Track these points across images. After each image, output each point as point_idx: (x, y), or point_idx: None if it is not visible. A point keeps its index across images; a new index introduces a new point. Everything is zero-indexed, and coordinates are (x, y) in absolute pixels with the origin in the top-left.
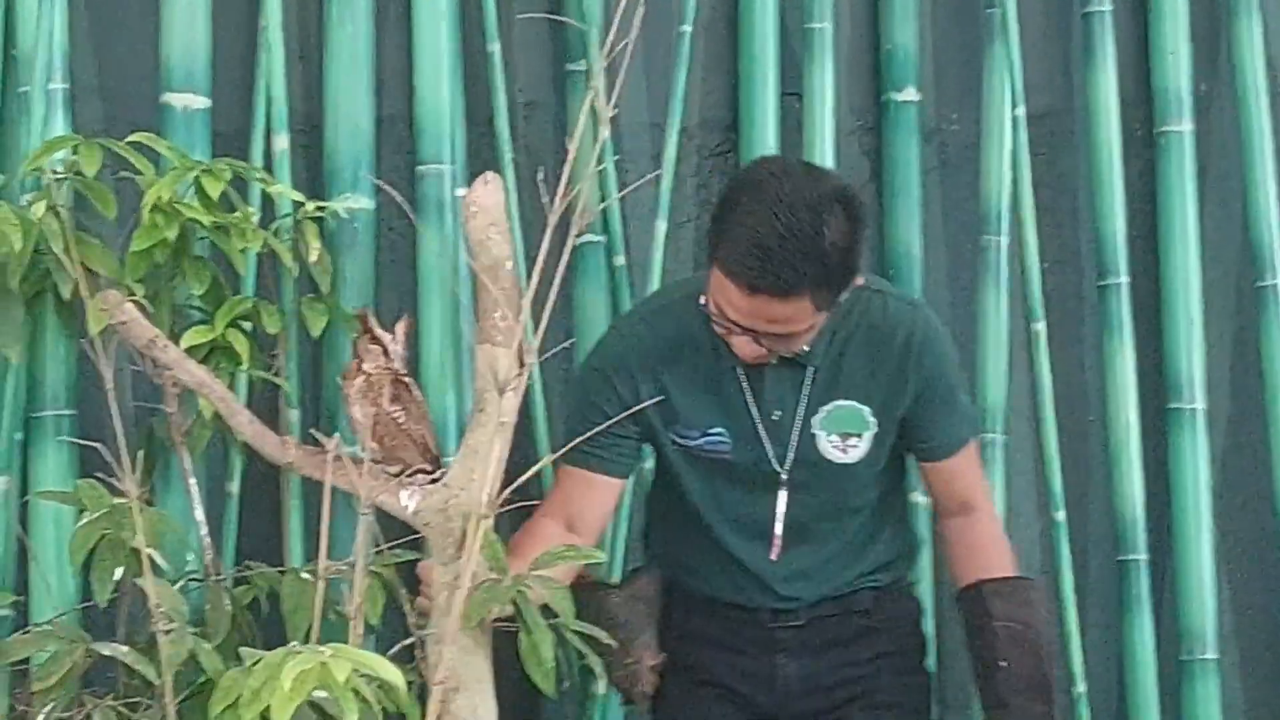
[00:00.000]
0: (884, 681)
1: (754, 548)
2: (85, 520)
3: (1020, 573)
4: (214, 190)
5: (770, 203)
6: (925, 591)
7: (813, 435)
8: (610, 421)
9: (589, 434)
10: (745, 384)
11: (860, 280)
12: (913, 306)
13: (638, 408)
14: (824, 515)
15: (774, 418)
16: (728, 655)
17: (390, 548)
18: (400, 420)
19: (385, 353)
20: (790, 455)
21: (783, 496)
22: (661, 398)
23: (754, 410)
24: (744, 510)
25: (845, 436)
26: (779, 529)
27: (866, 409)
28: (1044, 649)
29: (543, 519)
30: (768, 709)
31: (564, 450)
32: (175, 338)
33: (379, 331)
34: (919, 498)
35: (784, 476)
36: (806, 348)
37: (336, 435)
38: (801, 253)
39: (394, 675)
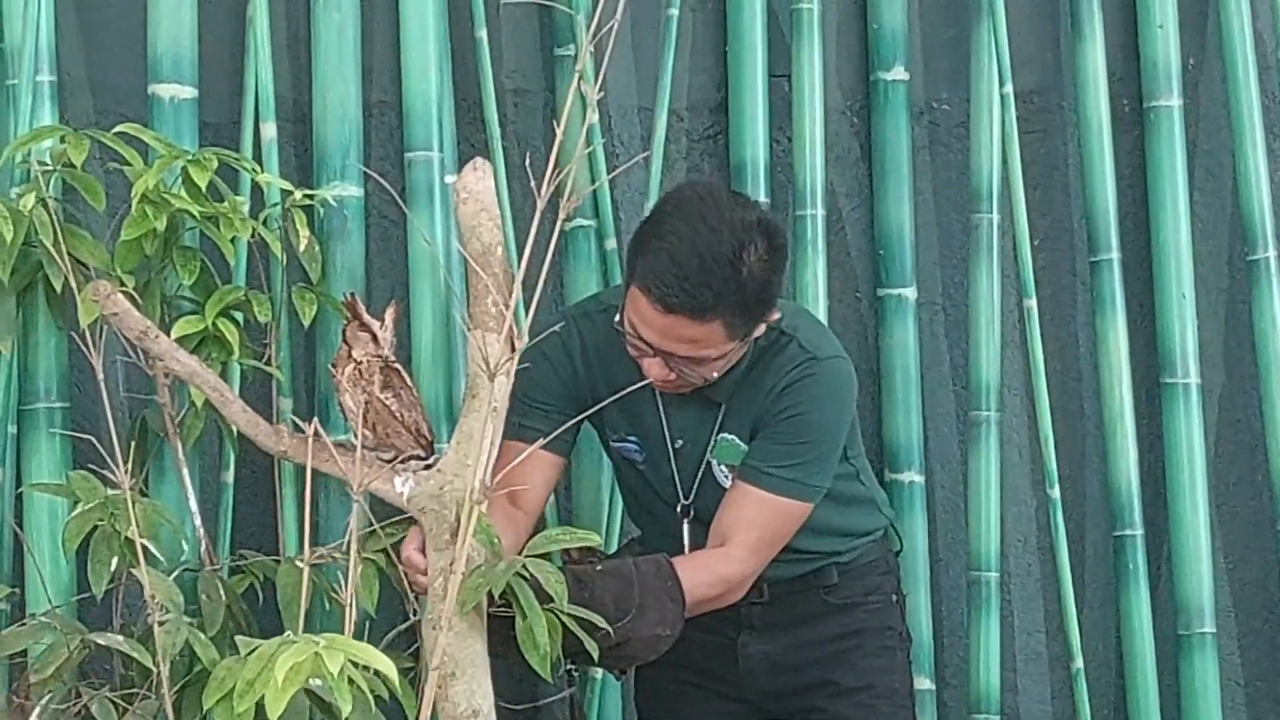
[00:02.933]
0: (854, 662)
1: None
2: (79, 511)
3: (692, 606)
4: (201, 179)
5: (693, 225)
6: (919, 568)
7: (709, 465)
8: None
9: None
10: (660, 405)
11: (776, 315)
12: (810, 356)
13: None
14: None
15: (678, 445)
16: (694, 633)
17: (385, 526)
18: (392, 406)
19: (374, 339)
20: (694, 488)
21: (686, 527)
22: (596, 390)
23: (665, 430)
24: (655, 522)
25: (731, 468)
26: (687, 550)
27: (741, 443)
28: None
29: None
30: (735, 689)
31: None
32: (166, 328)
33: (367, 318)
34: (903, 476)
35: (687, 505)
36: (716, 375)
37: (314, 419)
38: (719, 276)
39: (386, 665)
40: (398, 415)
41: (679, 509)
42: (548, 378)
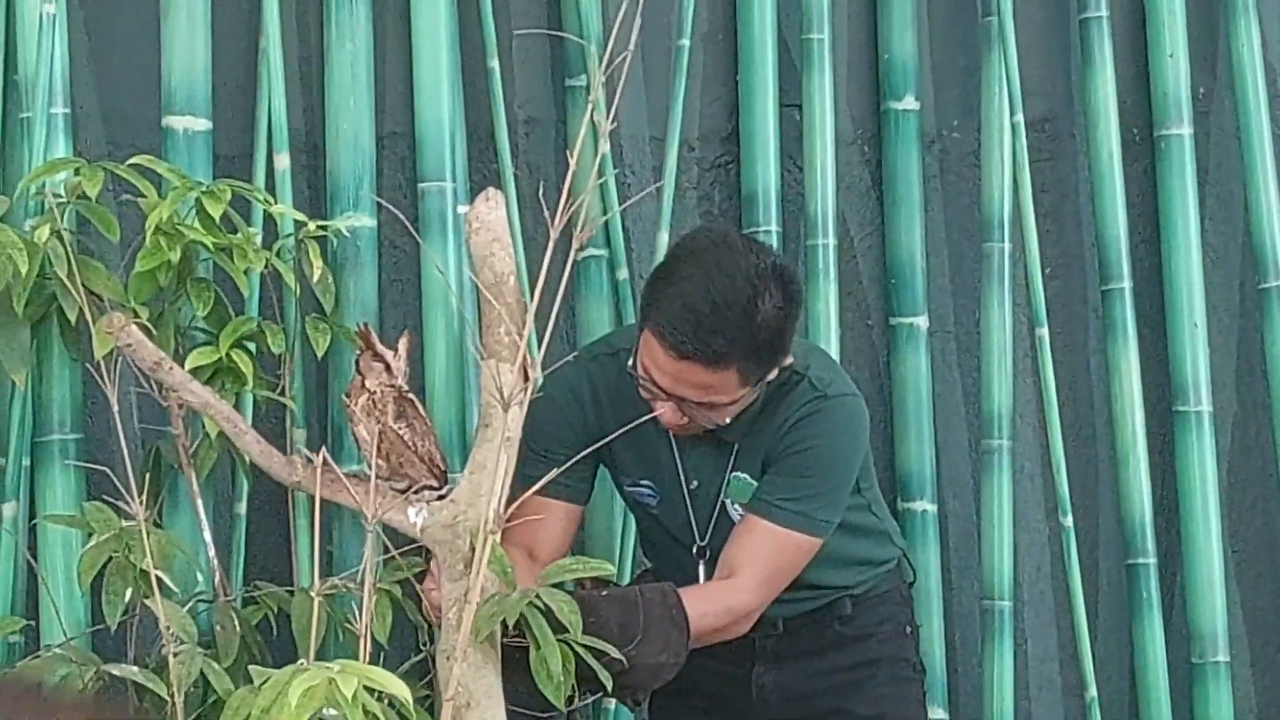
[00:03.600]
0: (867, 691)
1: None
2: (93, 543)
3: (697, 635)
4: (215, 211)
5: (707, 271)
6: (932, 597)
7: (724, 505)
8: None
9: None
10: (674, 447)
11: (789, 360)
12: (820, 394)
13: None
14: None
15: (693, 486)
16: (707, 661)
17: (401, 553)
18: (406, 436)
19: (388, 369)
20: (709, 529)
21: (702, 569)
22: (608, 436)
23: (680, 472)
24: (672, 562)
25: (738, 504)
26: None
27: (753, 480)
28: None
29: (506, 548)
30: (748, 718)
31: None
32: (180, 359)
33: (381, 348)
34: (916, 505)
35: (703, 546)
36: (729, 420)
37: (323, 449)
38: (733, 324)
39: (401, 689)
40: (411, 445)
41: (694, 550)
42: (558, 427)
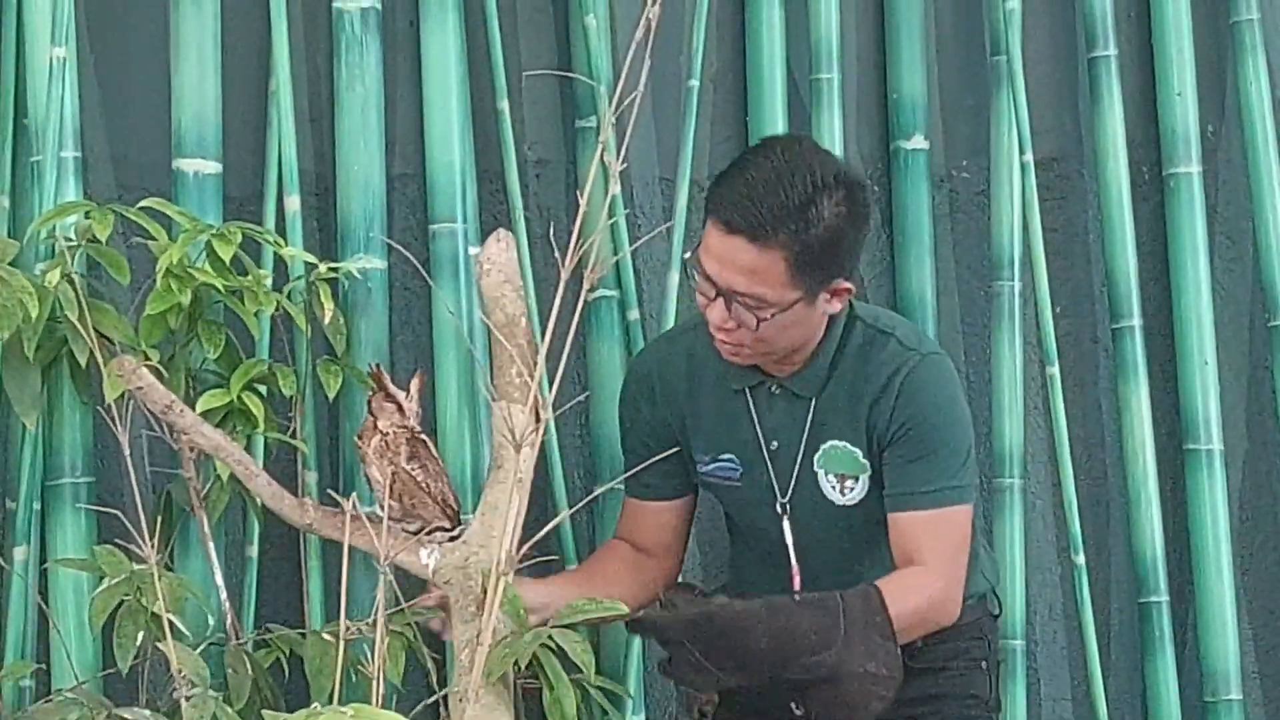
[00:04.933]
0: None
1: (777, 577)
2: (105, 586)
3: (904, 630)
4: (225, 253)
5: (773, 159)
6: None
7: (814, 473)
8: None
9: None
10: (752, 409)
11: (848, 286)
12: (915, 351)
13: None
14: (837, 554)
15: (773, 447)
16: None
17: (411, 605)
18: (419, 477)
19: (400, 410)
20: (791, 486)
21: (787, 526)
22: (682, 420)
23: (760, 436)
24: (758, 542)
25: (842, 478)
26: (793, 556)
27: (859, 450)
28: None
29: (615, 540)
30: None
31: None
32: (191, 402)
33: (393, 389)
34: None
35: (785, 504)
36: (781, 339)
37: (354, 494)
38: (785, 205)
39: None
40: (424, 486)
41: (777, 507)
42: (634, 424)
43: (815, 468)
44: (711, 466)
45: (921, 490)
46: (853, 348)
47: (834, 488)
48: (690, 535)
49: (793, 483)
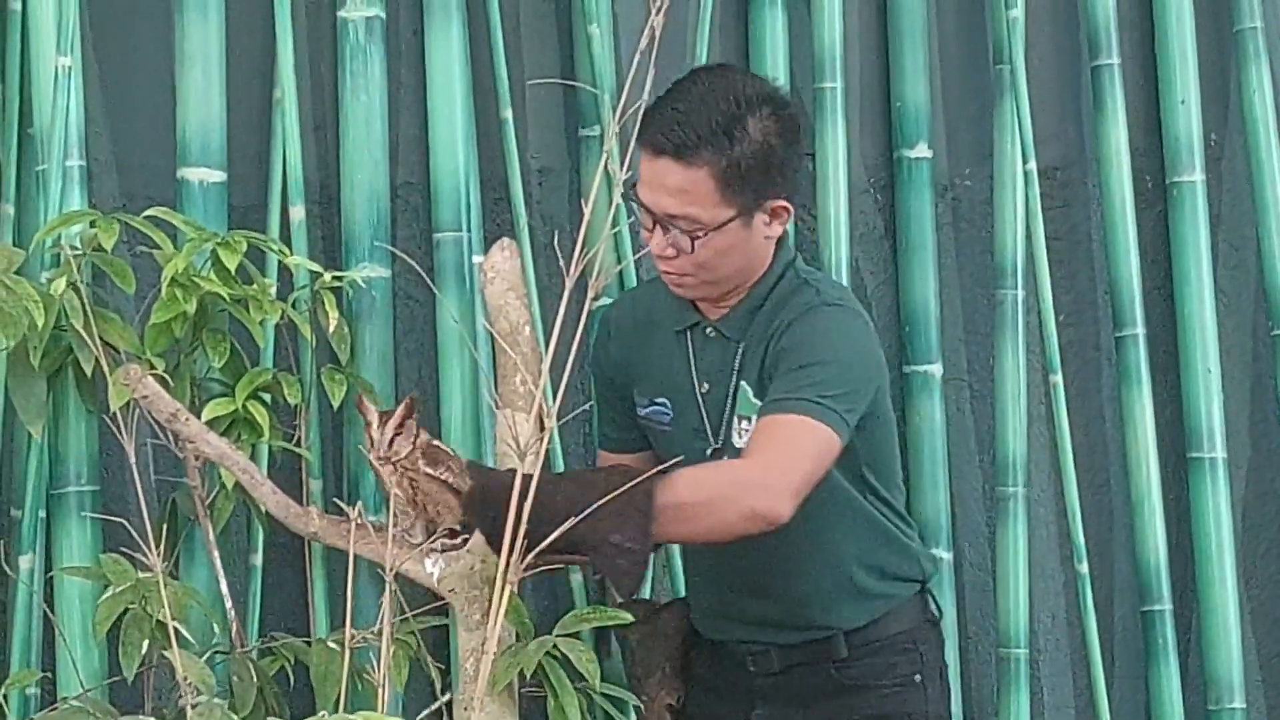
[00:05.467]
0: None
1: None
2: (109, 594)
3: (690, 505)
4: (231, 262)
5: (700, 83)
6: (949, 645)
7: (734, 417)
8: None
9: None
10: (690, 351)
11: (783, 204)
12: (821, 299)
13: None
14: None
15: (705, 390)
16: (712, 700)
17: (416, 614)
18: (448, 480)
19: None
20: (720, 431)
21: None
22: (629, 365)
23: (694, 379)
24: None
25: (741, 420)
26: None
27: (752, 390)
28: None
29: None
30: None
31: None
32: (196, 411)
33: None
34: (933, 553)
35: (716, 449)
36: (720, 262)
37: (359, 503)
38: (710, 123)
39: None
40: (455, 486)
41: (710, 454)
42: (601, 376)
43: (733, 411)
44: (648, 410)
45: (776, 397)
46: (778, 293)
47: (738, 433)
48: None
49: (723, 427)
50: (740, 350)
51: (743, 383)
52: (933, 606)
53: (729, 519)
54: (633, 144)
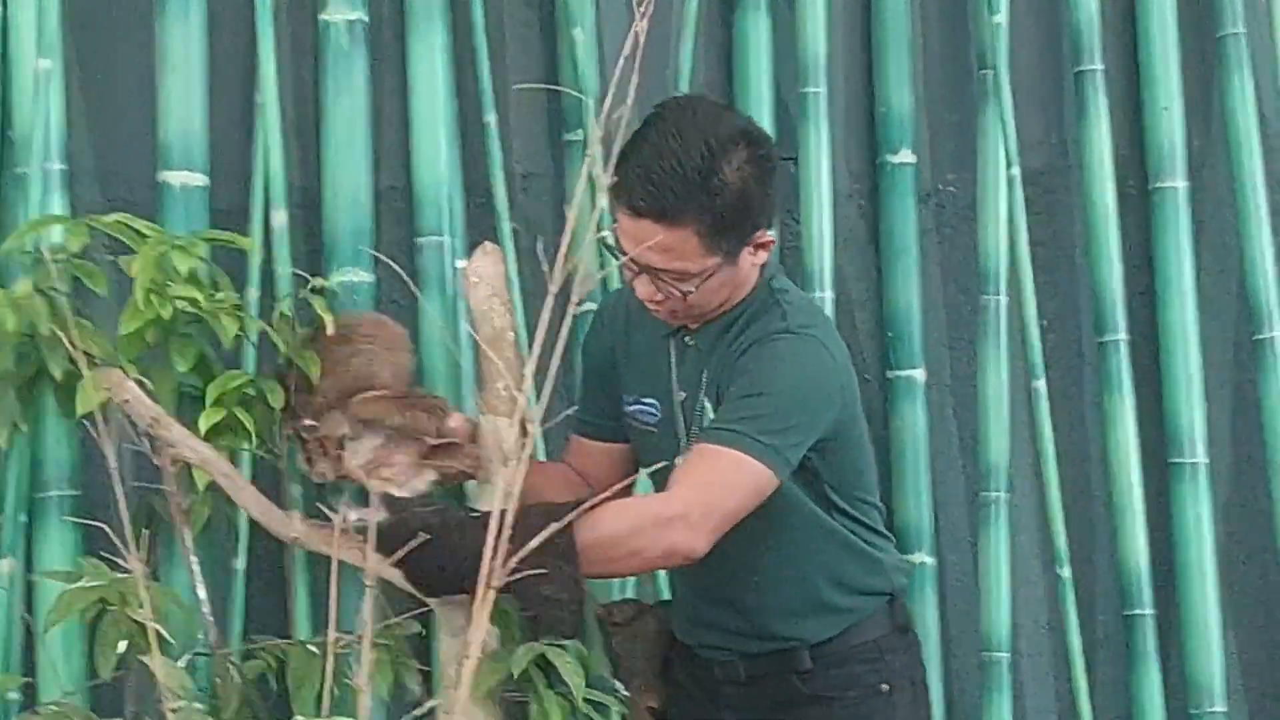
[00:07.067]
0: None
1: None
2: (81, 584)
3: (604, 541)
4: (184, 265)
5: (668, 131)
6: (931, 650)
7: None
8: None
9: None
10: (672, 357)
11: (767, 237)
12: (786, 325)
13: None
14: None
15: (681, 398)
16: (689, 705)
17: (401, 619)
18: (377, 371)
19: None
20: (690, 441)
21: None
22: (616, 357)
23: (674, 385)
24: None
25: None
26: None
27: (710, 408)
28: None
29: (559, 463)
30: None
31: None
32: (177, 416)
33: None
34: (914, 558)
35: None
36: (708, 300)
37: (342, 507)
38: (686, 181)
39: None
40: (379, 372)
41: (679, 460)
42: (588, 364)
43: (697, 424)
44: (634, 408)
45: (715, 425)
46: (749, 312)
47: None
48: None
49: (691, 438)
50: (708, 363)
51: (705, 399)
52: (902, 615)
53: (649, 556)
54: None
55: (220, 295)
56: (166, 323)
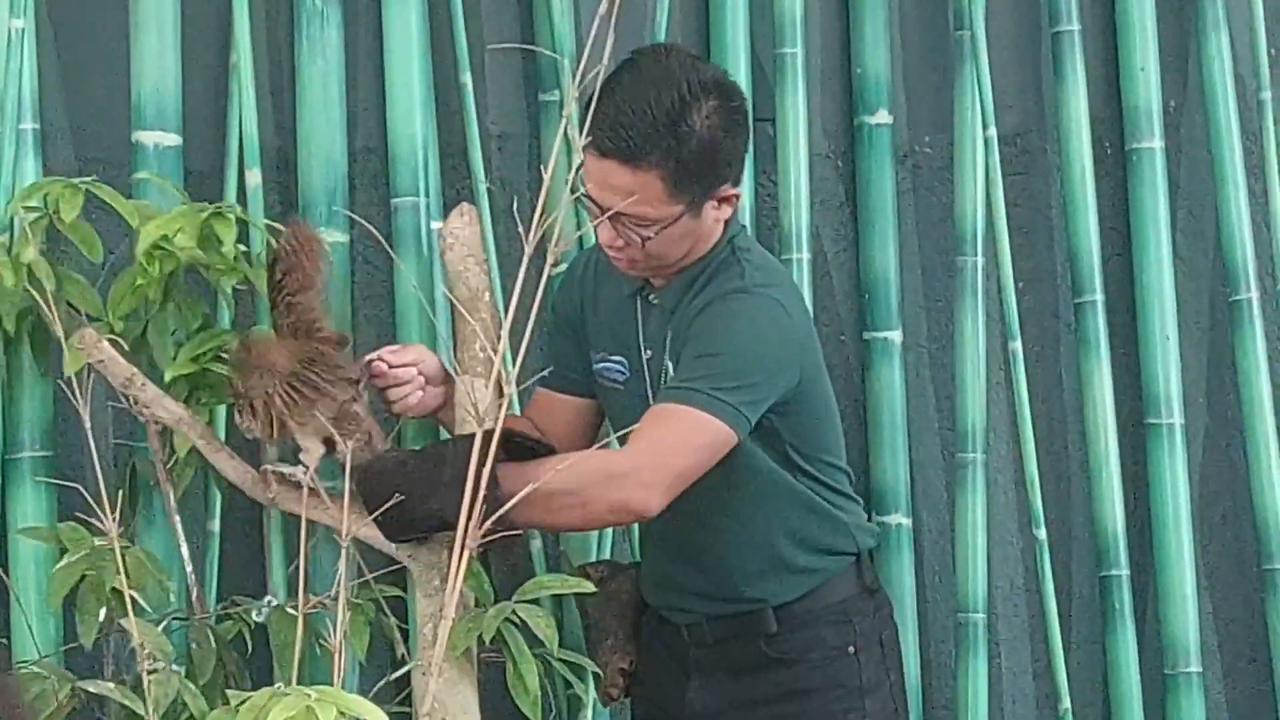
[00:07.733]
0: None
1: None
2: (65, 561)
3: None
4: (226, 234)
5: (638, 78)
6: (906, 611)
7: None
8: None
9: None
10: (638, 315)
11: (733, 191)
12: (745, 284)
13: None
14: None
15: (648, 356)
16: (657, 668)
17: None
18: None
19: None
20: (655, 399)
21: None
22: (584, 313)
23: (640, 343)
24: None
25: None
26: None
27: (672, 366)
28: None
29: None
30: None
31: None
32: (154, 376)
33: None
34: (890, 519)
35: None
36: (670, 251)
37: (299, 467)
38: (653, 123)
39: (378, 716)
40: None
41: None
42: (557, 317)
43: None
44: (603, 365)
45: (673, 384)
46: (711, 269)
47: None
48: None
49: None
50: (671, 321)
51: (668, 359)
52: (869, 576)
53: (596, 510)
54: (582, 139)
55: (226, 249)
56: (164, 281)
